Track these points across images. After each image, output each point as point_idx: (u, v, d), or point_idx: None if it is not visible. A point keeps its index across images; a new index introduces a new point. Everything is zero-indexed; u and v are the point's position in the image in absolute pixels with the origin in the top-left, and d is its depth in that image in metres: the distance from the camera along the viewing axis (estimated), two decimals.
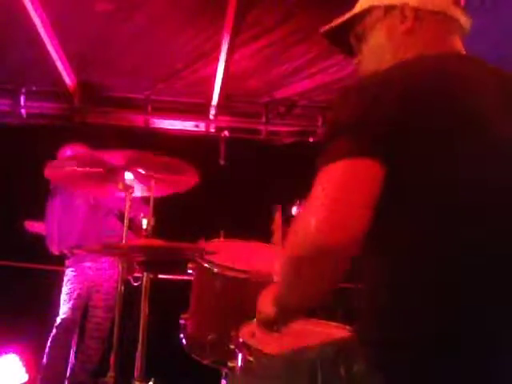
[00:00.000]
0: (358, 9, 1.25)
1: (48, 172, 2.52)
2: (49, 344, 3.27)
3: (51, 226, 3.48)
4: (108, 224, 3.42)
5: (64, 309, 3.33)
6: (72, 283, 3.36)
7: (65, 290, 3.38)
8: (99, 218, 3.41)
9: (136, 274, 3.35)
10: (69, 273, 3.40)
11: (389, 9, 1.20)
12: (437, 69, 1.07)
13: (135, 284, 3.15)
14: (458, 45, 1.20)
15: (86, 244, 3.34)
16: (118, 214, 3.45)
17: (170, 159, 2.35)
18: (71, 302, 3.33)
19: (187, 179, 2.49)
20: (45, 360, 3.25)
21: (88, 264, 3.35)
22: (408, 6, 1.18)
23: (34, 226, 3.60)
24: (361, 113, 0.99)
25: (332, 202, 0.93)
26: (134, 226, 3.34)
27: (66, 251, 3.43)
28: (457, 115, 1.01)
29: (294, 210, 2.29)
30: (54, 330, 3.30)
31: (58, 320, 3.32)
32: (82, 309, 3.38)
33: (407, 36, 1.18)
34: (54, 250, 3.47)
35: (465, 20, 1.21)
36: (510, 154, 1.02)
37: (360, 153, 0.95)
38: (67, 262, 3.44)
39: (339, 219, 0.92)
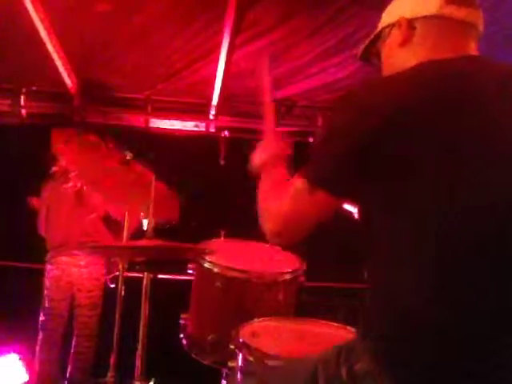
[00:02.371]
0: (373, 34, 1.33)
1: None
2: (38, 348, 3.27)
3: (41, 208, 3.48)
4: (91, 223, 3.40)
5: (46, 307, 3.33)
6: (52, 278, 3.35)
7: (46, 285, 3.36)
8: (83, 216, 3.40)
9: (115, 274, 3.38)
10: (48, 268, 3.39)
11: (392, 26, 1.25)
12: (434, 76, 1.07)
13: (112, 286, 3.17)
14: (462, 44, 1.19)
15: (69, 241, 3.34)
16: (102, 216, 3.44)
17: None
18: (53, 298, 3.32)
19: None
20: (37, 364, 3.25)
21: (65, 259, 3.34)
22: (403, 19, 1.22)
23: (37, 202, 3.60)
24: (347, 126, 1.07)
25: (286, 213, 1.16)
26: (115, 227, 3.36)
27: (51, 243, 3.41)
28: (457, 119, 1.01)
29: None
30: (41, 333, 3.29)
31: (42, 319, 3.31)
32: (66, 303, 3.36)
33: (405, 47, 1.22)
34: (41, 232, 3.47)
35: (465, 14, 1.18)
36: None
37: (317, 182, 1.10)
38: (47, 257, 3.42)
39: (288, 227, 1.18)
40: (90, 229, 3.39)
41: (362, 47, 1.38)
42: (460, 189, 0.98)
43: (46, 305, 3.33)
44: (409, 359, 0.96)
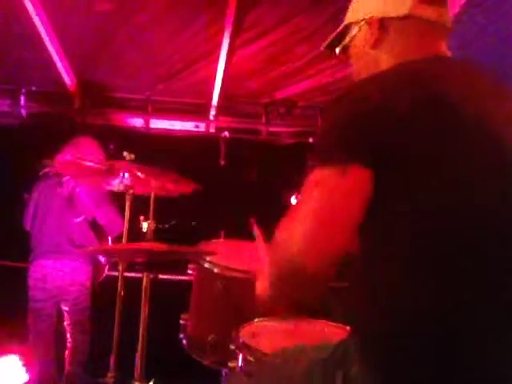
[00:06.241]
0: (341, 26, 1.27)
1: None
2: (33, 350, 3.26)
3: (29, 205, 3.46)
4: (79, 228, 3.38)
5: (33, 308, 3.28)
6: (36, 279, 3.29)
7: (30, 285, 3.31)
8: (71, 219, 3.38)
9: (101, 280, 3.39)
10: (32, 269, 3.33)
11: (361, 24, 1.21)
12: (409, 78, 1.06)
13: (98, 292, 3.17)
14: (435, 44, 1.17)
15: (56, 243, 3.31)
16: (90, 220, 3.42)
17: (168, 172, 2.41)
18: (38, 299, 3.28)
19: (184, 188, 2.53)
20: (36, 365, 3.24)
21: (47, 261, 3.28)
22: (373, 18, 1.18)
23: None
24: (348, 126, 1.00)
25: (315, 224, 0.97)
26: (99, 230, 3.36)
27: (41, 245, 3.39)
28: (442, 119, 1.01)
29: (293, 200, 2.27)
30: (31, 336, 3.25)
31: (30, 320, 3.26)
32: (53, 302, 3.30)
33: (377, 48, 1.19)
34: (26, 227, 3.46)
35: (438, 14, 1.17)
36: (497, 154, 1.02)
37: (348, 160, 0.96)
38: (30, 257, 3.37)
39: (319, 244, 0.97)
40: (76, 232, 3.36)
41: (328, 39, 1.32)
42: (451, 187, 0.98)
43: (33, 306, 3.28)
44: (405, 361, 0.96)
